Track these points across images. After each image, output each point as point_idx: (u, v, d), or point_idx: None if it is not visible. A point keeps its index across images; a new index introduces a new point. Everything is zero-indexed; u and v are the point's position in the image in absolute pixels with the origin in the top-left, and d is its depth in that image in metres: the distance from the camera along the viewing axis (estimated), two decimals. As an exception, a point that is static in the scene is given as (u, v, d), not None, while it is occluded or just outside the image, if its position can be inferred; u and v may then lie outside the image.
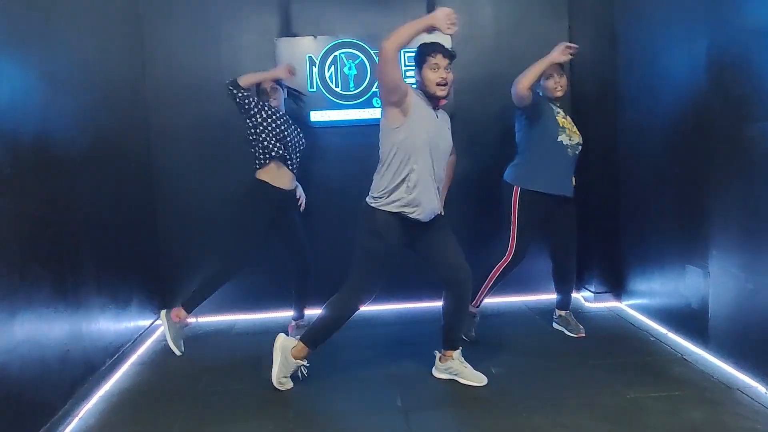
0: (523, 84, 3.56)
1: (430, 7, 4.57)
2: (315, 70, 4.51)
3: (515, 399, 3.05)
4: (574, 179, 3.84)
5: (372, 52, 4.51)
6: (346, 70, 4.52)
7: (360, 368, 3.52)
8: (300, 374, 3.30)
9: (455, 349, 3.31)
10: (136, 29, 4.37)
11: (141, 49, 4.41)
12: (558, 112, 3.79)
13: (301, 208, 4.14)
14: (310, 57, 4.50)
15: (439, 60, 3.02)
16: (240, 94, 3.75)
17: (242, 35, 4.51)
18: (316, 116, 4.53)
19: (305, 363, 3.29)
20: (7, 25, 2.70)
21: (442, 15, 2.86)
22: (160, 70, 4.45)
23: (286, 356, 3.25)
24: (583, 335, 3.91)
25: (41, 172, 2.88)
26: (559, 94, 3.79)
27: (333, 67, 4.52)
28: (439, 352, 3.35)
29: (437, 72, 3.03)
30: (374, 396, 3.17)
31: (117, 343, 3.66)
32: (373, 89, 4.53)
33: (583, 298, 4.69)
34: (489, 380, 3.25)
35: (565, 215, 3.89)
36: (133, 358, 3.84)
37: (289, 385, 3.27)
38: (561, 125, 3.74)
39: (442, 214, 3.28)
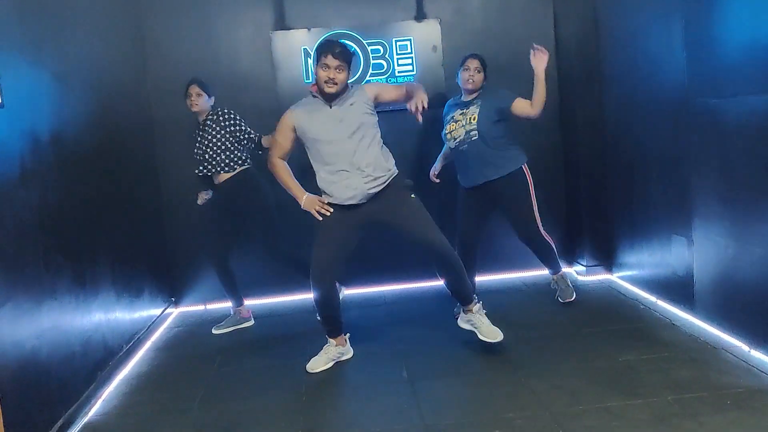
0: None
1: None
2: (310, 61, 4.65)
3: (514, 366, 3.25)
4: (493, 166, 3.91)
5: (365, 42, 4.66)
6: (340, 60, 4.66)
7: (367, 344, 3.69)
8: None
9: (471, 302, 3.48)
10: (137, 28, 4.52)
11: (142, 47, 4.56)
12: (452, 117, 3.99)
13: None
14: (305, 49, 4.65)
15: (329, 61, 3.23)
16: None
17: (238, 30, 4.66)
18: (312, 106, 4.67)
19: (341, 350, 3.51)
20: (23, 30, 2.85)
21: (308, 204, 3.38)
22: (161, 66, 4.60)
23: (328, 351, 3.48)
24: (571, 299, 4.13)
25: (59, 166, 3.04)
26: (469, 86, 3.94)
27: (328, 58, 4.66)
28: (462, 309, 3.54)
29: (326, 71, 3.24)
30: (381, 369, 3.36)
31: (132, 330, 3.83)
32: (368, 78, 4.68)
33: (575, 272, 4.88)
34: (489, 350, 3.43)
35: (505, 197, 3.97)
36: (148, 344, 4.01)
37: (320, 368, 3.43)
38: (446, 131, 3.99)
39: (407, 183, 3.47)
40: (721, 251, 3.31)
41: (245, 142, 4.10)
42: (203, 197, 4.27)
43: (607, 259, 4.71)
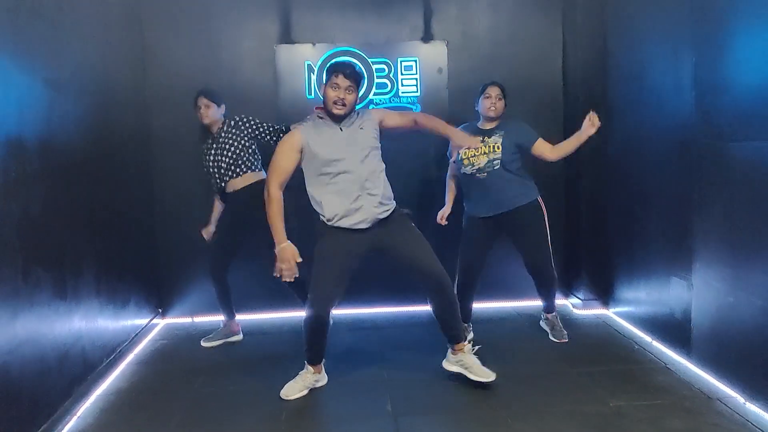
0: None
1: (427, 16, 4.67)
2: (313, 77, 4.59)
3: (501, 405, 3.14)
4: (517, 190, 3.88)
5: (369, 60, 4.59)
6: (343, 77, 4.59)
7: (352, 372, 3.60)
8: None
9: (462, 341, 3.39)
10: (137, 34, 4.46)
11: (142, 54, 4.49)
12: None
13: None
14: (308, 64, 4.58)
15: (340, 80, 3.17)
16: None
17: (242, 41, 4.59)
18: (313, 122, 4.60)
19: (318, 378, 3.40)
20: (14, 34, 2.78)
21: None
22: (161, 74, 4.54)
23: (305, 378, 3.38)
24: (566, 341, 4.03)
25: (44, 175, 2.96)
26: (492, 114, 3.88)
27: (331, 74, 4.60)
28: (450, 345, 3.43)
29: (336, 91, 3.17)
30: (365, 400, 3.26)
31: (114, 342, 3.75)
32: (370, 96, 4.61)
33: (571, 305, 4.79)
34: (476, 385, 3.32)
35: (519, 228, 3.93)
36: (131, 357, 3.93)
37: (292, 393, 3.32)
38: (462, 157, 3.86)
39: (406, 212, 3.43)
40: (720, 298, 3.22)
41: (272, 138, 4.02)
42: (208, 232, 4.24)
43: (604, 294, 4.61)
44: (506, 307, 4.76)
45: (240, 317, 4.37)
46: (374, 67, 4.61)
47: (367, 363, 3.75)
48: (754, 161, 2.92)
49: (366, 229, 3.23)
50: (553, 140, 4.53)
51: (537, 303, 4.40)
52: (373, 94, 4.62)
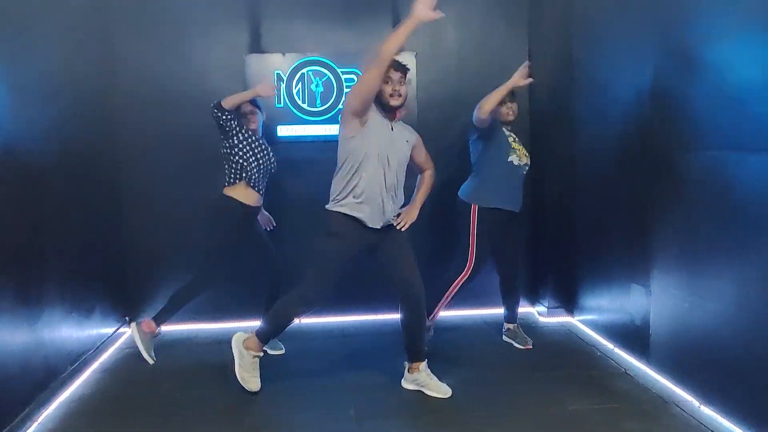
0: (485, 108, 3.75)
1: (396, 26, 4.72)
2: (283, 86, 4.63)
3: (465, 410, 3.19)
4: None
5: (339, 70, 4.64)
6: (313, 86, 4.65)
7: (318, 378, 3.63)
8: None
9: (421, 361, 3.45)
10: (107, 42, 4.44)
11: (112, 61, 4.48)
12: (509, 135, 4.02)
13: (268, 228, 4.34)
14: (278, 73, 4.62)
15: (392, 73, 3.20)
16: (224, 117, 3.82)
17: (212, 50, 4.61)
18: (283, 131, 4.64)
19: (261, 354, 3.44)
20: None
21: (421, 5, 2.96)
22: (131, 81, 4.53)
23: (240, 350, 3.40)
24: (530, 347, 4.10)
25: (9, 182, 2.97)
26: (511, 118, 4.03)
27: (300, 83, 4.65)
28: (408, 364, 3.48)
29: (390, 84, 3.21)
30: (329, 405, 3.28)
31: (79, 350, 3.73)
32: (339, 106, 4.66)
33: (537, 312, 4.86)
34: (444, 391, 3.38)
35: (512, 231, 4.13)
36: (95, 366, 3.90)
37: (255, 385, 3.38)
38: (512, 147, 3.96)
39: (401, 227, 3.45)
40: (677, 304, 3.30)
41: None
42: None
43: (569, 302, 4.69)
44: (472, 315, 4.81)
45: (211, 326, 4.37)
46: (344, 77, 4.66)
47: (335, 370, 3.78)
48: (709, 170, 3.02)
49: (377, 229, 3.31)
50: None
51: (502, 311, 4.47)
52: (342, 104, 4.66)
